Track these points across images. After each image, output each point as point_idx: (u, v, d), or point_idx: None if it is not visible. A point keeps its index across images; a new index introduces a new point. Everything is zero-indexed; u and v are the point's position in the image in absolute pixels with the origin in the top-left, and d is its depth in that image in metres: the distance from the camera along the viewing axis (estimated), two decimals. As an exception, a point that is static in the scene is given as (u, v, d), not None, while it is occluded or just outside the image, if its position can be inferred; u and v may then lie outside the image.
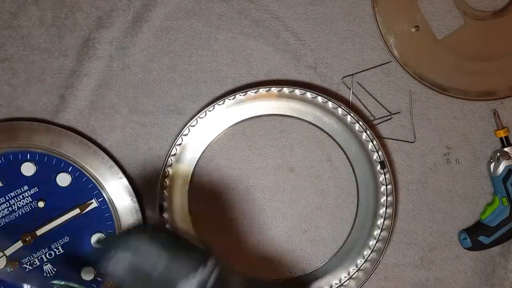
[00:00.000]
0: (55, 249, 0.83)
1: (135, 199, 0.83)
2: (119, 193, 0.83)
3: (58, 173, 0.82)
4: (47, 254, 0.83)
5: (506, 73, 0.84)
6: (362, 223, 0.85)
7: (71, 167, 0.83)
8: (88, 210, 0.83)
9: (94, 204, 0.83)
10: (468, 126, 0.86)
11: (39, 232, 0.82)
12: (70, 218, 0.82)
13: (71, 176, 0.83)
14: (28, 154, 0.82)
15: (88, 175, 0.83)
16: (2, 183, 0.82)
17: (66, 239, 0.83)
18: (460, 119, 0.86)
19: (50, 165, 0.82)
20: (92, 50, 0.85)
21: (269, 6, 0.85)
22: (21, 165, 0.82)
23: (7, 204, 0.82)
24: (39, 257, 0.83)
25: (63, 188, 0.83)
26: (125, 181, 0.83)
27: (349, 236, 0.85)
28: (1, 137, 0.82)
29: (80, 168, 0.83)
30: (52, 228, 0.82)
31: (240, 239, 0.86)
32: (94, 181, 0.83)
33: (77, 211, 0.82)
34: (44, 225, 0.82)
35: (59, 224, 0.82)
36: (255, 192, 0.86)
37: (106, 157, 0.83)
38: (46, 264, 0.83)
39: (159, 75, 0.86)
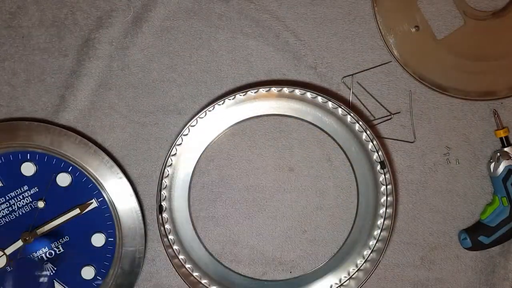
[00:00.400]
0: (55, 249, 0.83)
1: (135, 199, 0.83)
2: (119, 193, 0.83)
3: (58, 173, 0.82)
4: (47, 253, 0.83)
5: (506, 73, 0.84)
6: (362, 223, 0.85)
7: (71, 167, 0.83)
8: (88, 210, 0.83)
9: (94, 204, 0.83)
10: (468, 126, 0.86)
11: (39, 231, 0.82)
12: (70, 218, 0.82)
13: (71, 176, 0.83)
14: (28, 154, 0.82)
15: (88, 175, 0.83)
16: (2, 183, 0.83)
17: (67, 238, 0.83)
18: (460, 119, 0.86)
19: (50, 165, 0.82)
20: (92, 50, 0.85)
21: (269, 6, 0.85)
22: (21, 165, 0.82)
23: (7, 204, 0.82)
24: (39, 256, 0.83)
25: (63, 188, 0.83)
26: (125, 181, 0.83)
27: (349, 236, 0.85)
28: (1, 137, 0.82)
29: (80, 168, 0.83)
30: (52, 228, 0.82)
31: (240, 239, 0.86)
32: (94, 181, 0.83)
33: (77, 211, 0.82)
34: (44, 225, 0.82)
35: (59, 224, 0.82)
36: (255, 192, 0.86)
37: (106, 157, 0.83)
38: (47, 263, 0.83)
39: (159, 75, 0.86)
